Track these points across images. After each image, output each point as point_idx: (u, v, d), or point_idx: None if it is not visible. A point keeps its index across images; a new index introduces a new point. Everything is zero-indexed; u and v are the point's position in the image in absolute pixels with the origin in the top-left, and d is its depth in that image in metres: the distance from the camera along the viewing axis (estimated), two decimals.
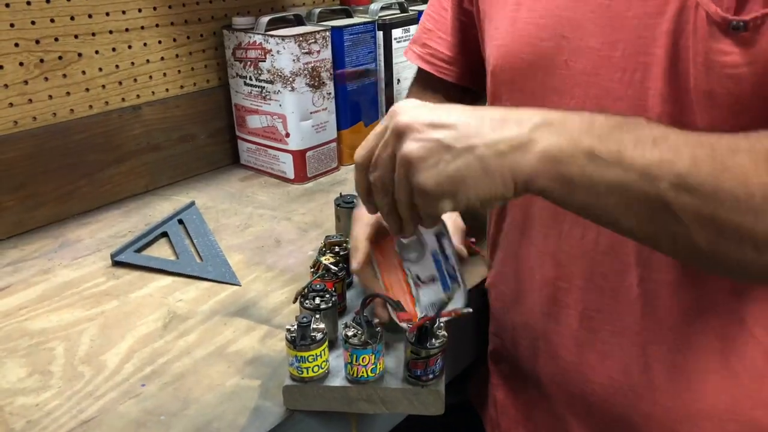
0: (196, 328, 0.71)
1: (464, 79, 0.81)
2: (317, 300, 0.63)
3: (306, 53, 1.06)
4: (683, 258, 0.52)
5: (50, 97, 0.95)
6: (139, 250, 0.87)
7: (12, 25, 0.89)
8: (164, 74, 1.08)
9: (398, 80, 1.25)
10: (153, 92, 1.07)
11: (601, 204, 0.46)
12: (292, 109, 1.06)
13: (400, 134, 0.49)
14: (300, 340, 0.57)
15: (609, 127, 0.46)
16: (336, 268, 0.68)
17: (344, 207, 0.84)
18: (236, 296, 0.78)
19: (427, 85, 0.84)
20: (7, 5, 0.88)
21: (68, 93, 0.97)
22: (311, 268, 0.69)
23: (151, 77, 1.06)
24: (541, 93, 0.62)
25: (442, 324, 0.57)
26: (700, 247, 0.45)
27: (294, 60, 1.04)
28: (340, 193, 0.87)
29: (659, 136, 0.45)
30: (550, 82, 0.61)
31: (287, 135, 1.08)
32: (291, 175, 1.10)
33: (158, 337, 0.70)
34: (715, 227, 0.44)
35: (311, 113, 1.09)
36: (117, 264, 0.84)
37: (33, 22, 0.91)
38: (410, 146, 0.47)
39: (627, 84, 0.56)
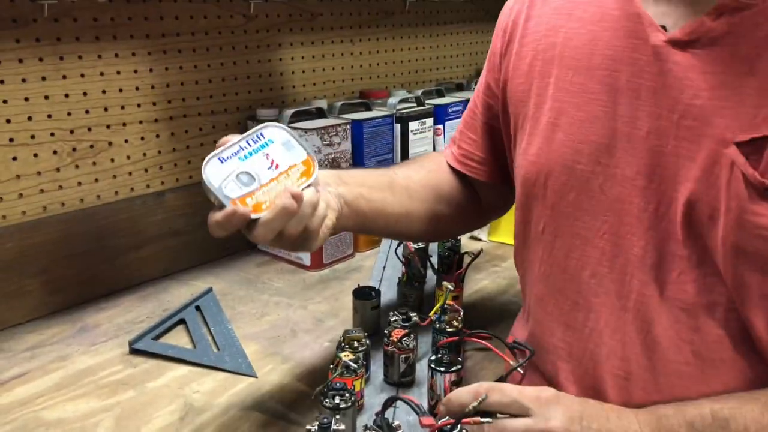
0: (212, 423, 0.71)
1: (495, 177, 0.82)
2: (337, 399, 0.63)
3: (327, 145, 1.09)
4: None
5: (79, 183, 0.98)
6: (156, 338, 0.87)
7: (49, 116, 0.93)
8: (188, 162, 1.12)
9: None
10: (177, 179, 1.10)
11: None
12: None
13: None
14: None
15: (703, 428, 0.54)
16: (355, 365, 0.68)
17: (362, 299, 0.85)
18: (252, 389, 0.77)
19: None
20: (47, 97, 0.93)
21: (96, 180, 1.00)
22: (330, 364, 0.70)
23: (176, 165, 1.10)
24: (572, 213, 0.63)
25: (465, 429, 0.56)
26: None
27: (316, 151, 1.07)
28: (359, 285, 0.88)
29: None
30: (583, 204, 0.62)
31: None
32: (307, 261, 1.12)
33: (174, 430, 0.70)
34: None
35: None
36: (134, 352, 0.84)
37: (69, 113, 0.95)
38: None
39: (661, 216, 0.58)
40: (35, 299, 0.93)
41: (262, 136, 0.61)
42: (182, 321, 0.92)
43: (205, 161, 0.57)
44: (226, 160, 0.58)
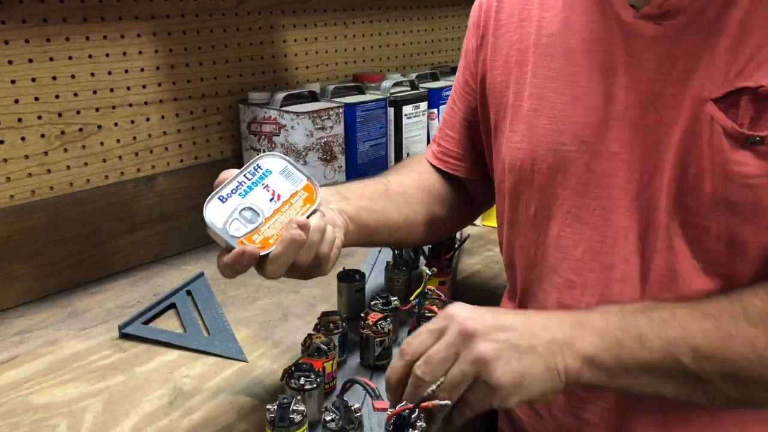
0: (201, 407, 0.71)
1: (473, 173, 0.83)
2: (302, 380, 0.63)
3: (319, 128, 1.08)
4: (720, 406, 0.59)
5: (68, 167, 0.97)
6: (146, 322, 0.87)
7: (36, 99, 0.92)
8: (179, 146, 1.11)
9: (407, 154, 1.28)
10: (168, 163, 1.09)
11: (638, 382, 0.55)
12: None
13: (468, 336, 0.53)
14: (279, 421, 0.57)
15: (627, 315, 0.55)
16: (326, 347, 0.67)
17: (346, 282, 0.85)
18: (242, 373, 0.77)
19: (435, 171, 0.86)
20: (33, 80, 0.92)
21: (86, 163, 0.99)
22: (302, 344, 0.69)
23: (167, 148, 1.09)
24: (561, 193, 0.64)
25: (421, 415, 0.56)
26: (734, 398, 0.55)
27: (308, 135, 1.06)
28: (344, 267, 0.88)
29: (668, 316, 0.54)
30: (571, 183, 0.64)
31: None
32: None
33: (163, 414, 0.69)
34: (739, 382, 0.53)
35: (321, 186, 1.10)
36: (124, 336, 0.84)
37: (57, 96, 0.94)
38: (485, 347, 0.53)
39: (644, 186, 0.59)
40: (24, 284, 0.93)
41: (260, 167, 0.60)
42: (173, 305, 0.92)
43: (205, 203, 0.56)
44: (226, 199, 0.57)
